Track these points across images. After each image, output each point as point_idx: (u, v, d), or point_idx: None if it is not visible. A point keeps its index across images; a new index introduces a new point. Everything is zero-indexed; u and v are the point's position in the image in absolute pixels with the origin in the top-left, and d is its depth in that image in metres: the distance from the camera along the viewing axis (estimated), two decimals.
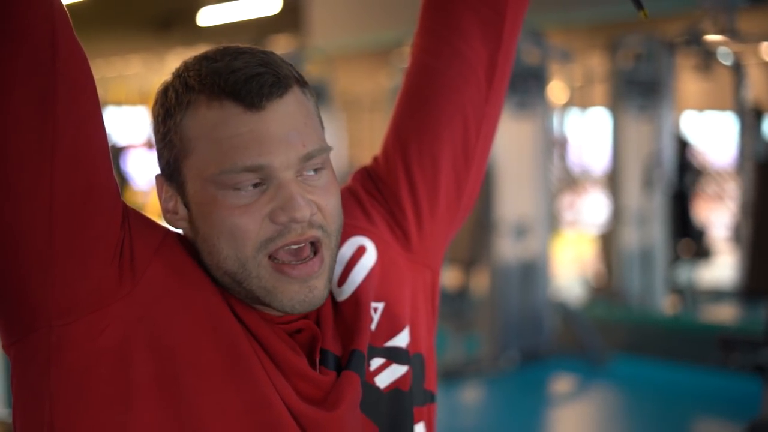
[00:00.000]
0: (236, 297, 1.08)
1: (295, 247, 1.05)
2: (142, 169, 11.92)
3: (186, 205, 1.07)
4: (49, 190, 0.99)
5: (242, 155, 1.02)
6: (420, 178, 1.24)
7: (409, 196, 1.24)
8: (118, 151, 11.43)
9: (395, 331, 1.18)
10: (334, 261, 1.09)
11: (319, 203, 1.06)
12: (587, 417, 5.13)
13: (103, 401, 1.01)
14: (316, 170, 1.07)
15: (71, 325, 1.01)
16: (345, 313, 1.15)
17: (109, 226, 1.03)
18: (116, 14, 11.61)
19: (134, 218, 1.07)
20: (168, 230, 1.10)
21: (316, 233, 1.06)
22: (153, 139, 1.11)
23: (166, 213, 1.10)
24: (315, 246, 1.06)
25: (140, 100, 12.53)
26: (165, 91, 1.08)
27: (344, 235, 1.17)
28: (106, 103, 11.78)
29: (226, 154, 1.03)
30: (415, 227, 1.25)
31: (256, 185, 1.04)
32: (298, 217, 1.03)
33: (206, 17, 10.75)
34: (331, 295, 1.16)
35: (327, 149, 1.08)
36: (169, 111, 1.07)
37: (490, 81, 1.27)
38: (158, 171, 1.11)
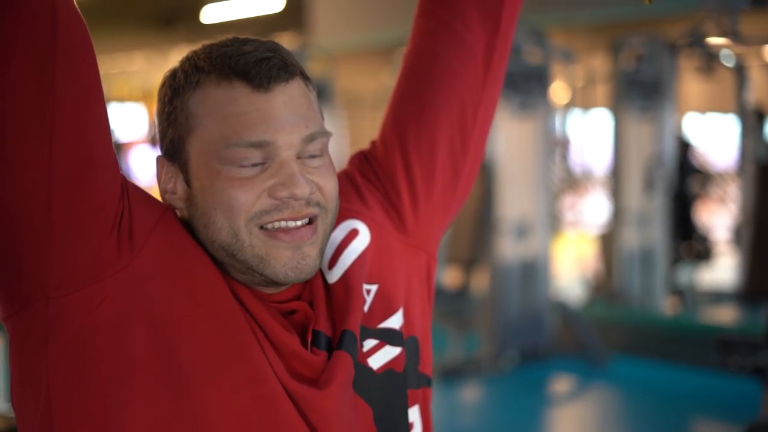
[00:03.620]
0: (232, 276, 1.11)
1: (292, 223, 1.08)
2: (144, 166, 11.93)
3: (187, 182, 1.10)
4: (48, 161, 0.99)
5: (249, 131, 1.06)
6: (416, 160, 1.26)
7: (405, 178, 1.26)
8: (120, 147, 11.43)
9: (389, 313, 1.20)
10: (327, 236, 1.12)
11: (319, 183, 1.09)
12: (586, 417, 5.14)
13: (101, 374, 1.02)
14: (315, 156, 1.10)
15: (69, 297, 1.02)
16: (336, 295, 1.17)
17: (108, 198, 1.04)
18: (120, 11, 11.62)
19: (134, 192, 1.09)
20: (167, 207, 1.12)
21: (313, 210, 1.09)
22: (157, 122, 1.14)
23: (165, 193, 1.12)
24: (310, 219, 1.09)
25: (143, 97, 12.53)
26: (173, 73, 1.12)
27: (338, 218, 1.19)
28: (109, 100, 11.77)
29: (233, 130, 1.06)
30: (411, 210, 1.26)
31: (256, 165, 1.07)
32: (298, 194, 1.06)
33: (210, 14, 10.75)
34: (323, 278, 1.18)
35: (328, 134, 1.11)
36: (177, 90, 1.10)
37: (488, 65, 1.29)
38: (159, 153, 1.14)
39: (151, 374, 1.03)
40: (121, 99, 12.73)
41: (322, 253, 1.11)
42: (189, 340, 1.04)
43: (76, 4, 1.04)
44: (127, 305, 1.03)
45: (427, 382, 1.24)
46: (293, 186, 1.06)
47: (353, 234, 1.21)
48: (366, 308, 1.19)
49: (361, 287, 1.18)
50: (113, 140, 1.08)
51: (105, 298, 1.03)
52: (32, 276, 1.02)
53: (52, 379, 1.03)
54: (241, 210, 1.06)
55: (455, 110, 1.27)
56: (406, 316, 1.22)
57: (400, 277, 1.23)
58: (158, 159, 1.14)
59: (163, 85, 1.13)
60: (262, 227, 1.07)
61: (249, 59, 1.07)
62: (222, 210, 1.07)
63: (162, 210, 1.10)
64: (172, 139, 1.11)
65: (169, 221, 1.10)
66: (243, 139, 1.06)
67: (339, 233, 1.21)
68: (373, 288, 1.20)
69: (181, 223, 1.12)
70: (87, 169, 1.02)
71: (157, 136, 1.14)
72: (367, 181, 1.27)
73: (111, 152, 1.05)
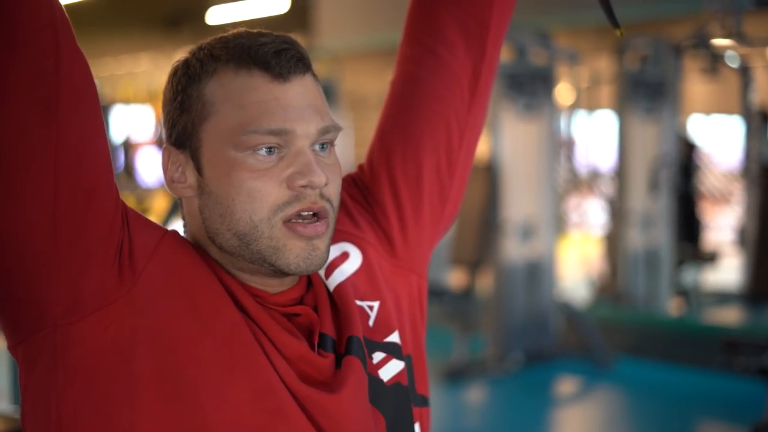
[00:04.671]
0: (233, 274, 1.12)
1: (305, 214, 1.09)
2: (150, 167, 11.95)
3: (199, 170, 1.11)
4: (53, 194, 1.01)
5: (268, 119, 1.07)
6: (404, 185, 1.28)
7: (392, 202, 1.29)
8: (128, 148, 11.46)
9: (389, 330, 1.22)
10: (332, 233, 1.14)
11: (329, 177, 1.11)
12: (591, 418, 5.14)
13: (109, 398, 1.03)
14: (325, 146, 1.12)
15: (76, 324, 1.03)
16: (337, 303, 1.19)
17: (111, 227, 1.05)
18: (126, 12, 11.64)
19: (133, 218, 1.10)
20: (167, 230, 1.13)
21: (325, 204, 1.10)
22: (165, 111, 1.15)
23: (172, 182, 1.14)
24: (319, 215, 1.11)
25: (149, 99, 12.55)
26: (186, 63, 1.13)
27: (333, 239, 1.21)
28: (115, 101, 11.80)
29: (251, 117, 1.07)
30: (399, 233, 1.29)
31: (271, 150, 1.08)
32: (315, 182, 1.08)
33: (215, 16, 10.77)
34: (326, 286, 1.20)
35: (339, 128, 1.13)
36: (193, 78, 1.11)
37: (474, 90, 1.31)
38: (165, 143, 1.15)
39: (157, 395, 1.04)
40: (127, 101, 12.75)
41: (329, 247, 1.13)
42: (194, 358, 1.05)
43: (76, 39, 1.05)
44: (132, 329, 1.05)
45: (423, 401, 1.26)
46: (311, 174, 1.07)
47: (344, 257, 1.24)
48: (371, 323, 1.21)
49: (354, 302, 1.20)
50: (114, 170, 1.09)
51: (111, 323, 1.04)
52: (39, 305, 1.03)
53: (62, 404, 1.04)
54: (263, 203, 1.08)
55: (441, 135, 1.29)
56: (401, 335, 1.24)
57: (393, 298, 1.26)
58: (165, 148, 1.15)
59: (174, 73, 1.14)
60: (284, 221, 1.09)
61: (268, 50, 1.09)
62: (242, 200, 1.08)
63: (161, 234, 1.12)
64: (185, 126, 1.12)
65: (168, 244, 1.11)
66: (263, 127, 1.07)
67: (334, 251, 1.23)
68: (376, 304, 1.23)
69: (183, 241, 1.13)
70: (91, 199, 1.03)
71: (164, 125, 1.15)
72: (357, 204, 1.30)
73: (112, 182, 1.07)
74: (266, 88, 1.09)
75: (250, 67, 1.09)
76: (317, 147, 1.11)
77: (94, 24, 10.53)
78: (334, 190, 1.12)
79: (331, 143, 1.13)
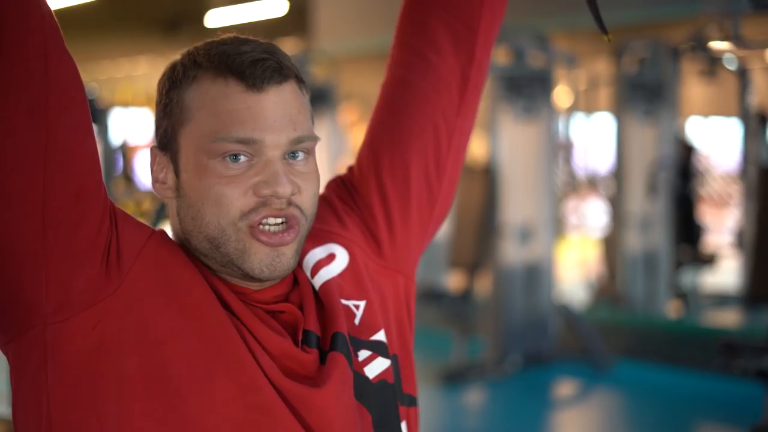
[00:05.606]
0: (218, 276, 1.14)
1: (273, 221, 1.10)
2: (148, 170, 11.94)
3: (176, 173, 1.13)
4: (42, 194, 1.03)
5: (238, 128, 1.09)
6: (391, 187, 1.30)
7: (380, 204, 1.30)
8: (125, 152, 11.46)
9: (375, 329, 1.23)
10: (303, 239, 1.15)
11: (300, 186, 1.12)
12: (590, 421, 5.14)
13: (98, 394, 1.05)
14: (302, 155, 1.13)
15: (65, 323, 1.05)
16: (322, 302, 1.20)
17: (99, 227, 1.07)
18: (124, 15, 11.64)
19: (121, 218, 1.12)
20: (154, 230, 1.15)
21: (294, 212, 1.11)
22: (154, 112, 1.18)
23: (155, 183, 1.16)
24: (288, 222, 1.11)
25: (147, 102, 12.56)
26: (173, 66, 1.15)
27: (320, 240, 1.24)
28: (113, 105, 11.79)
29: (222, 125, 1.09)
30: (387, 235, 1.30)
31: (241, 157, 1.09)
32: (280, 192, 1.09)
33: (214, 19, 10.78)
34: (311, 284, 1.21)
35: (315, 138, 1.14)
36: (175, 83, 1.13)
37: (462, 94, 1.32)
38: (153, 144, 1.17)
39: (144, 392, 1.05)
40: (125, 104, 12.75)
41: (297, 253, 1.14)
42: (179, 356, 1.07)
43: (65, 43, 1.07)
44: (119, 327, 1.06)
45: (410, 401, 1.27)
46: (276, 184, 1.09)
47: (330, 258, 1.25)
48: (357, 321, 1.22)
49: (339, 300, 1.21)
50: (101, 170, 1.11)
51: (99, 322, 1.06)
52: (29, 304, 1.05)
53: (53, 401, 1.06)
54: (230, 207, 1.09)
55: (430, 139, 1.31)
56: (387, 334, 1.25)
57: (379, 299, 1.27)
58: (152, 149, 1.17)
59: (163, 76, 1.16)
60: (250, 227, 1.10)
61: (245, 59, 1.10)
62: (211, 205, 1.10)
63: (149, 233, 1.13)
64: (166, 129, 1.14)
65: (156, 243, 1.12)
66: (231, 135, 1.09)
67: (320, 252, 1.25)
68: (362, 304, 1.24)
69: (171, 240, 1.15)
70: (79, 200, 1.05)
71: (154, 125, 1.18)
72: (345, 205, 1.31)
73: (100, 182, 1.09)
74: (239, 97, 1.10)
75: (226, 76, 1.11)
76: (290, 156, 1.12)
77: (92, 27, 10.53)
78: (307, 198, 1.13)
79: (308, 152, 1.14)
